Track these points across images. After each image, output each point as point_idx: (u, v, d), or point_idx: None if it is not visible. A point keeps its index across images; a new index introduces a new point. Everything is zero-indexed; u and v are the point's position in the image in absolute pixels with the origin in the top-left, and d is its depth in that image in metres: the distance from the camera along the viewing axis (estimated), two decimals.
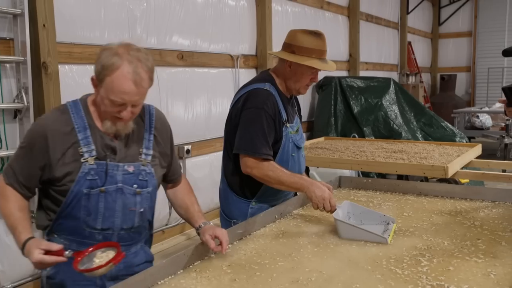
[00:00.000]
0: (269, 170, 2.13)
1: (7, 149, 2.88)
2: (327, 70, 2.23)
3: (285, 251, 1.81)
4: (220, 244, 1.75)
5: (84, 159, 1.64)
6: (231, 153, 2.26)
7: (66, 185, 1.64)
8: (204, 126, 4.61)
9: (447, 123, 6.37)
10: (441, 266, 1.64)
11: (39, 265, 1.53)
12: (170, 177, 1.92)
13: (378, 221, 2.06)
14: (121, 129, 1.67)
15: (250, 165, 2.14)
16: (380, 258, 1.72)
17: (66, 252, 1.51)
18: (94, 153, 1.65)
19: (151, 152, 1.77)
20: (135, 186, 1.71)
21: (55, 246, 1.51)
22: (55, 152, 1.63)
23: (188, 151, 4.32)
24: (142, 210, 1.75)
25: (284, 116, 2.23)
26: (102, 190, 1.65)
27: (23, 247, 1.56)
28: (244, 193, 2.28)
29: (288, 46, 2.22)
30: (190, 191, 1.94)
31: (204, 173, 4.59)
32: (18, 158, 1.69)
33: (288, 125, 2.25)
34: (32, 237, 1.56)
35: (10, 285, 2.91)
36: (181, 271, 1.65)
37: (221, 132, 4.72)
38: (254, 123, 2.13)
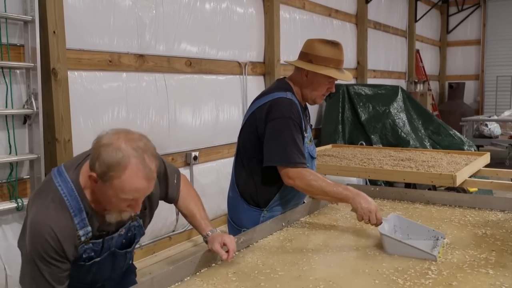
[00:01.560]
0: (312, 180, 2.10)
1: (16, 155, 2.90)
2: (344, 80, 2.21)
3: (292, 260, 1.80)
4: (227, 251, 1.75)
5: (80, 242, 1.59)
6: (246, 161, 2.24)
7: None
8: (212, 133, 4.61)
9: (455, 131, 6.34)
10: (447, 279, 1.62)
11: None
12: (169, 200, 1.90)
13: (426, 236, 1.95)
14: (125, 217, 1.63)
15: (292, 176, 2.11)
16: (387, 268, 1.70)
17: None
18: (90, 234, 1.61)
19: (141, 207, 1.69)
20: (126, 249, 1.75)
21: None
22: (68, 246, 1.55)
23: (195, 158, 4.32)
24: (130, 260, 1.82)
25: (303, 125, 2.23)
26: (97, 260, 1.66)
27: None
28: (256, 202, 2.27)
29: (305, 55, 2.21)
30: (195, 198, 1.92)
31: (211, 179, 4.59)
32: (41, 276, 1.53)
33: (305, 134, 2.25)
34: None
35: None
36: (188, 278, 1.64)
37: (228, 139, 4.79)
38: (283, 133, 2.11)
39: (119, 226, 1.69)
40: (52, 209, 1.54)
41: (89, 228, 1.59)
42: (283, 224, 2.19)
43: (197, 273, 1.68)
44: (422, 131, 6.13)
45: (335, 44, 2.20)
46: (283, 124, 2.11)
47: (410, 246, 1.80)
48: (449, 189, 4.27)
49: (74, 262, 1.59)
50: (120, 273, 1.83)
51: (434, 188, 4.39)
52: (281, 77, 2.38)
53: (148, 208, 1.78)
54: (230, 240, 1.77)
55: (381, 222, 1.98)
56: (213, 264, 1.76)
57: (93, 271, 1.68)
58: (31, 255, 1.53)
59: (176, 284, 1.59)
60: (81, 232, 1.57)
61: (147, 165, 1.50)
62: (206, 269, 1.72)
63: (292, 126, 2.12)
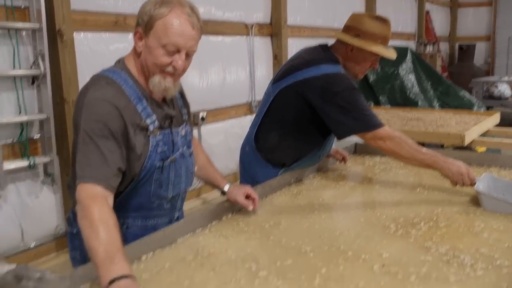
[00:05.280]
0: (403, 143, 2.07)
1: (26, 114, 2.93)
2: (390, 57, 2.19)
3: (301, 214, 1.85)
4: (253, 201, 1.81)
5: (150, 131, 1.52)
6: (278, 122, 2.23)
7: (137, 162, 1.51)
8: (219, 94, 4.62)
9: (464, 92, 6.29)
10: (456, 233, 1.66)
11: None
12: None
13: None
14: (169, 88, 1.53)
15: (383, 137, 2.07)
16: (397, 219, 1.74)
17: None
18: (156, 123, 1.54)
19: (185, 110, 1.73)
20: (190, 148, 1.70)
21: None
22: (129, 127, 1.47)
23: (203, 118, 4.35)
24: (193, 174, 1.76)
25: None
26: (172, 159, 1.60)
27: (110, 281, 1.16)
28: (276, 161, 2.28)
29: (351, 29, 2.18)
30: (205, 152, 1.96)
31: (219, 139, 4.62)
32: (97, 151, 1.40)
33: None
34: (129, 276, 1.18)
35: (34, 244, 3.00)
36: (199, 229, 1.69)
37: (235, 100, 4.80)
38: (356, 103, 2.09)
39: (178, 124, 1.64)
40: (110, 90, 1.47)
41: (154, 116, 1.53)
42: (293, 180, 2.23)
43: (208, 225, 1.73)
44: (431, 92, 6.10)
45: (383, 20, 2.17)
46: (352, 95, 2.09)
47: (510, 203, 1.80)
48: (457, 149, 4.28)
49: (152, 165, 1.53)
50: (187, 189, 1.74)
51: (442, 148, 4.40)
52: (323, 43, 2.31)
53: (188, 115, 1.73)
54: (252, 190, 1.83)
55: (475, 182, 1.96)
56: (224, 217, 1.81)
57: (172, 178, 1.61)
58: (88, 133, 1.41)
59: (188, 235, 1.64)
60: (148, 121, 1.51)
61: (192, 14, 1.47)
62: (217, 221, 1.77)
63: (360, 95, 2.12)
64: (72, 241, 1.67)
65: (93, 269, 1.29)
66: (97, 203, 1.32)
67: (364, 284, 1.28)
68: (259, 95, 4.97)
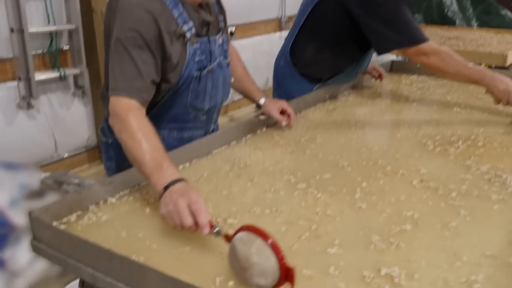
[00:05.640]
0: (448, 58, 1.96)
1: (55, 24, 2.89)
2: None
3: (336, 129, 1.82)
4: (288, 116, 1.79)
5: (187, 39, 1.45)
6: (317, 35, 2.13)
7: (173, 72, 1.46)
8: (248, 8, 4.47)
9: (507, 11, 5.97)
10: (496, 153, 1.61)
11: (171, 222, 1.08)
12: None
13: None
14: None
15: (426, 52, 1.96)
16: (434, 137, 1.71)
17: (216, 230, 1.02)
18: (193, 30, 1.46)
19: (221, 16, 1.65)
20: (227, 58, 1.64)
21: (205, 215, 1.04)
22: (165, 35, 1.39)
23: (231, 33, 4.24)
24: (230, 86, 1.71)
25: None
26: (210, 69, 1.54)
27: (165, 187, 1.13)
28: (313, 76, 2.21)
29: None
30: (243, 64, 1.90)
31: (248, 56, 4.52)
32: (131, 63, 1.35)
33: None
34: (182, 180, 1.14)
35: (66, 155, 3.07)
36: (234, 142, 1.68)
37: (265, 15, 4.64)
38: (400, 14, 1.96)
39: (215, 31, 1.57)
40: None
41: (191, 22, 1.46)
42: (327, 96, 2.18)
43: (243, 138, 1.71)
44: (470, 10, 5.80)
45: None
46: (397, 6, 1.95)
47: None
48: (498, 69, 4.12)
49: (189, 74, 1.48)
50: (223, 101, 1.69)
51: None
52: None
53: (223, 26, 1.66)
54: (288, 106, 1.80)
55: None
56: (258, 131, 1.79)
57: (209, 88, 1.56)
58: (122, 42, 1.35)
59: (223, 147, 1.63)
60: (185, 27, 1.44)
61: None
62: (252, 134, 1.75)
63: (406, 6, 1.98)
64: (107, 151, 1.68)
65: (131, 176, 1.31)
66: (133, 114, 1.29)
67: (405, 198, 1.27)
68: (289, 11, 4.80)
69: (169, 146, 1.54)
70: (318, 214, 1.19)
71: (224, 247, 0.99)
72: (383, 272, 0.95)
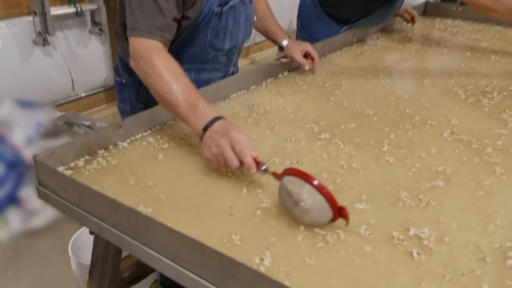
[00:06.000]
0: None
1: None
2: None
3: (362, 75, 1.70)
4: (312, 60, 1.68)
5: None
6: None
7: (193, 7, 1.35)
8: None
9: None
10: None
11: (216, 164, 1.05)
12: None
13: None
14: None
15: None
16: (466, 86, 1.59)
17: (264, 167, 0.99)
18: None
19: None
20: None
21: (250, 155, 1.00)
22: None
23: None
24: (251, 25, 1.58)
25: None
26: (232, 5, 1.42)
27: (203, 128, 1.07)
28: (339, 16, 2.06)
29: None
30: (267, 3, 1.77)
31: None
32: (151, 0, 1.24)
33: None
34: (220, 118, 1.08)
35: (84, 94, 3.02)
36: (254, 86, 1.58)
37: None
38: None
39: None
40: None
41: None
42: (355, 39, 2.04)
43: (263, 82, 1.62)
44: None
45: None
46: None
47: None
48: None
49: (210, 9, 1.38)
50: (244, 41, 1.59)
51: None
52: None
53: None
54: (312, 48, 1.68)
55: None
56: (280, 75, 1.69)
57: (229, 27, 1.45)
58: None
59: (242, 91, 1.54)
60: None
61: None
62: (272, 79, 1.65)
63: None
64: (121, 92, 1.60)
65: (145, 118, 1.23)
66: (159, 55, 1.20)
67: (436, 151, 1.17)
68: None
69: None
70: (343, 167, 1.10)
71: (237, 202, 0.94)
72: (411, 232, 0.87)
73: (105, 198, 0.87)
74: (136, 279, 1.34)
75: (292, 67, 1.72)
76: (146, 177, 1.04)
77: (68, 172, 1.04)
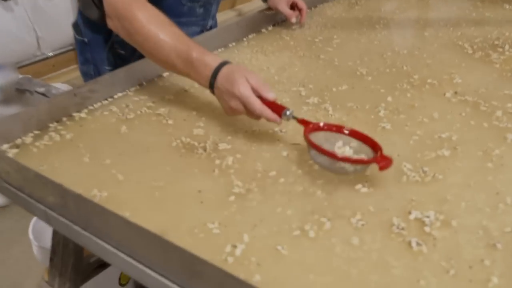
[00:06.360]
0: None
1: None
2: None
3: (356, 28, 1.58)
4: (300, 12, 1.56)
5: None
6: None
7: None
8: None
9: None
10: None
11: (235, 112, 0.97)
12: None
13: None
14: None
15: None
16: (473, 39, 1.47)
17: (288, 112, 0.92)
18: None
19: None
20: None
21: (268, 92, 0.93)
22: None
23: None
24: None
25: None
26: None
27: (214, 74, 0.96)
28: None
29: None
30: None
31: None
32: None
33: None
34: (222, 65, 0.97)
35: (51, 53, 2.85)
36: (234, 43, 1.46)
37: None
38: None
39: None
40: None
41: None
42: None
43: (244, 39, 1.49)
44: None
45: None
46: None
47: None
48: None
49: None
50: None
51: None
52: None
53: None
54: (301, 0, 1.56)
55: None
56: (263, 30, 1.56)
57: None
58: None
59: (220, 50, 1.42)
60: None
61: None
62: (254, 34, 1.52)
63: None
64: (82, 53, 1.45)
65: (107, 83, 1.11)
66: (140, 8, 1.06)
67: (440, 115, 1.06)
68: None
69: None
70: None
71: (207, 185, 0.84)
72: (412, 216, 0.77)
73: (50, 183, 0.76)
74: (106, 263, 1.25)
75: (278, 20, 1.59)
76: (104, 154, 0.92)
77: (13, 151, 0.93)
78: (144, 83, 1.20)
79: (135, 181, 0.85)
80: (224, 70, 0.96)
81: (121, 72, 1.13)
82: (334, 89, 1.18)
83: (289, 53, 1.40)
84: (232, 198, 0.81)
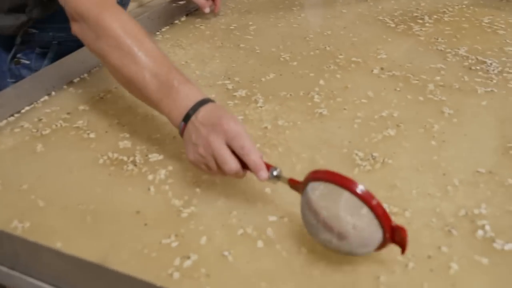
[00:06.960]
0: None
1: None
2: None
3: (273, 11, 1.58)
4: (213, 1, 1.53)
5: None
6: None
7: None
8: None
9: None
10: (472, 32, 1.46)
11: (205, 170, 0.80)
12: None
13: None
14: None
15: None
16: (393, 13, 1.52)
17: (275, 172, 0.74)
18: None
19: None
20: None
21: (256, 152, 0.75)
22: None
23: None
24: None
25: None
26: None
27: (184, 118, 0.80)
28: None
29: None
30: None
31: None
32: None
33: None
34: (207, 101, 0.81)
35: None
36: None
37: None
38: None
39: None
40: None
41: None
42: None
43: (158, 33, 1.45)
44: None
45: None
46: None
47: None
48: None
49: None
50: None
51: None
52: None
53: None
54: None
55: None
56: (177, 21, 1.52)
57: None
58: None
59: None
60: None
61: None
62: (168, 27, 1.49)
63: None
64: None
65: (14, 95, 1.04)
66: (111, 13, 0.88)
67: (375, 94, 1.09)
68: None
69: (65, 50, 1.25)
70: (267, 128, 0.99)
71: (144, 203, 0.79)
72: None
73: None
74: None
75: (190, 9, 1.56)
76: (20, 179, 0.86)
77: None
78: (53, 92, 1.13)
79: (60, 206, 0.79)
80: (211, 104, 0.80)
81: (25, 82, 1.06)
82: (263, 79, 1.17)
83: (207, 44, 1.37)
84: (174, 213, 0.78)
